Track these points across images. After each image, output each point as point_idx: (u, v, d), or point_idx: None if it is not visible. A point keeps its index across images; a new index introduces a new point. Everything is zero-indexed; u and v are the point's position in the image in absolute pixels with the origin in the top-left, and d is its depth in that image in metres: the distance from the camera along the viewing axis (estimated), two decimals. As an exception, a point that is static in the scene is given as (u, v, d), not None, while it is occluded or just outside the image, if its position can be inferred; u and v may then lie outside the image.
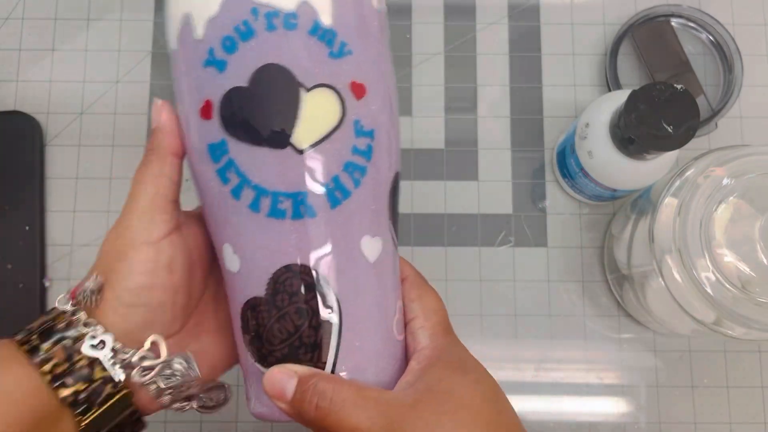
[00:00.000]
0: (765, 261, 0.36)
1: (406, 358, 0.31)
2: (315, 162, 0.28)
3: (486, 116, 0.52)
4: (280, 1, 0.27)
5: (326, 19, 0.28)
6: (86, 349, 0.27)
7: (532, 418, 0.48)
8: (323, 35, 0.28)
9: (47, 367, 0.26)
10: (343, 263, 0.29)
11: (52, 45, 0.53)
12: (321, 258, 0.28)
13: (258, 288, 0.29)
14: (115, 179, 0.51)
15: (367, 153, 0.29)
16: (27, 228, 0.50)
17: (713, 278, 0.36)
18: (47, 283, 0.50)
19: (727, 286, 0.36)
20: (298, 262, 0.28)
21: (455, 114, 0.52)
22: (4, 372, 0.26)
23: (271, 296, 0.28)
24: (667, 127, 0.39)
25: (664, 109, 0.39)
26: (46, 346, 0.27)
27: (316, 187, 0.28)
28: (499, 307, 0.50)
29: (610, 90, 0.52)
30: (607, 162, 0.43)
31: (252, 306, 0.29)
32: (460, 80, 0.53)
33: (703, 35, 0.52)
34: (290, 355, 0.29)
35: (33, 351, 0.26)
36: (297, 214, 0.28)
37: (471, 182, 0.51)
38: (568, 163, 0.47)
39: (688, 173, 0.38)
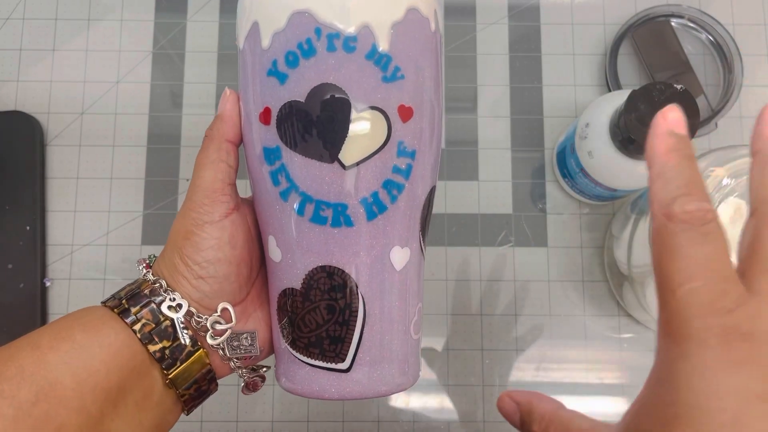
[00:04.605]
0: (765, 261, 0.36)
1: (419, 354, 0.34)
2: (358, 178, 0.29)
3: (486, 116, 0.52)
4: (343, 23, 0.28)
5: (383, 44, 0.29)
6: (165, 309, 0.30)
7: (532, 418, 0.48)
8: (379, 60, 0.29)
9: (137, 326, 0.30)
10: (373, 269, 0.31)
11: (53, 45, 0.53)
12: (353, 263, 0.30)
13: (295, 281, 0.31)
14: (115, 179, 0.51)
15: (406, 172, 0.30)
16: (27, 228, 0.50)
17: (713, 278, 0.36)
18: (47, 283, 0.50)
19: (727, 286, 0.36)
20: (333, 264, 0.30)
21: (455, 114, 0.52)
22: (104, 327, 0.29)
23: (306, 290, 0.31)
24: (667, 127, 0.39)
25: (664, 109, 0.39)
26: (135, 309, 0.30)
27: (355, 201, 0.30)
28: (499, 307, 0.50)
29: (610, 90, 0.52)
30: (607, 162, 0.43)
31: (288, 295, 0.32)
32: (460, 80, 0.53)
33: (703, 35, 0.53)
34: (316, 344, 0.31)
35: (124, 313, 0.30)
36: (336, 223, 0.30)
37: (471, 182, 0.51)
38: (568, 163, 0.47)
39: (688, 173, 0.38)
